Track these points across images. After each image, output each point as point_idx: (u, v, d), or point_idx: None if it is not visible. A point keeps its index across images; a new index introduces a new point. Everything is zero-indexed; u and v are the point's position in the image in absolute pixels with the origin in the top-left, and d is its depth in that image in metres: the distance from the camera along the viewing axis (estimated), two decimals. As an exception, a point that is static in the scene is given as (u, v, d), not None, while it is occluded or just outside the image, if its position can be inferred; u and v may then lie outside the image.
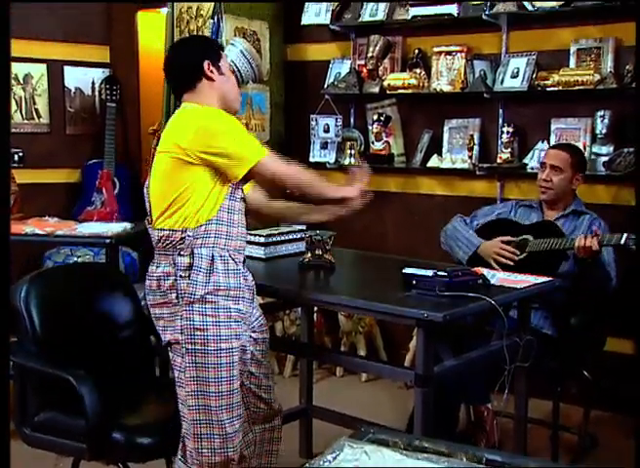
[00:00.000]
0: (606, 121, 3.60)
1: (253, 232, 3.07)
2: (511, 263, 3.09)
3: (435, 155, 4.13)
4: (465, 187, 4.14)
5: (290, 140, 4.70)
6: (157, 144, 4.05)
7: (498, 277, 2.66)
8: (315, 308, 3.83)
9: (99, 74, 5.21)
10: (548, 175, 3.21)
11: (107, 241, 3.44)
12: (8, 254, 1.65)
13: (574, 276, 3.02)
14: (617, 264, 3.08)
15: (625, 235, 2.83)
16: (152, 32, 5.24)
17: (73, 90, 5.14)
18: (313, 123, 4.42)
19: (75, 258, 4.69)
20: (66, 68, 5.07)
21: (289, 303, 3.35)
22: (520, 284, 2.60)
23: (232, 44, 4.25)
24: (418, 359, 2.34)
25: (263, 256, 3.00)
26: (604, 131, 3.61)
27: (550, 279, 2.70)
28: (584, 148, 3.65)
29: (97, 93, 5.21)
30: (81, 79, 5.16)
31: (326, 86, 4.44)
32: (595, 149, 3.68)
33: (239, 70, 4.19)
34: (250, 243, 3.04)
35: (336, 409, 3.33)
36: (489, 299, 2.36)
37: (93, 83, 5.21)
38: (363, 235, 4.46)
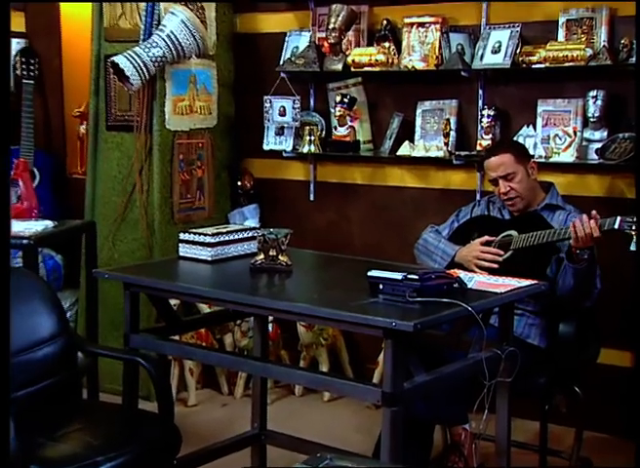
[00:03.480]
0: (599, 102, 3.63)
1: (197, 231, 3.05)
2: (495, 266, 3.10)
3: (407, 142, 4.14)
4: (441, 179, 4.16)
5: (240, 125, 4.68)
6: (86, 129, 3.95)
7: (476, 280, 2.67)
8: (270, 318, 3.82)
9: (12, 45, 5.11)
10: (506, 187, 3.24)
11: (25, 242, 3.38)
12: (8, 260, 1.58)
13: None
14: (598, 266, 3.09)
15: (619, 218, 2.84)
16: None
17: (-17, 65, 5.05)
18: (267, 105, 4.40)
19: (-12, 262, 4.62)
20: (-25, 39, 4.99)
21: (239, 312, 3.33)
22: (501, 288, 2.61)
23: (172, 13, 4.24)
24: (385, 374, 2.35)
25: (210, 258, 2.98)
26: (597, 113, 3.65)
27: (535, 282, 2.72)
28: (575, 133, 3.70)
29: (10, 67, 5.11)
30: (-8, 52, 5.07)
31: (282, 62, 4.43)
32: (587, 135, 3.72)
33: (180, 43, 4.19)
34: (194, 243, 3.02)
35: (294, 433, 3.32)
36: (465, 306, 2.37)
37: (8, 57, 5.13)
38: (324, 233, 4.46)
